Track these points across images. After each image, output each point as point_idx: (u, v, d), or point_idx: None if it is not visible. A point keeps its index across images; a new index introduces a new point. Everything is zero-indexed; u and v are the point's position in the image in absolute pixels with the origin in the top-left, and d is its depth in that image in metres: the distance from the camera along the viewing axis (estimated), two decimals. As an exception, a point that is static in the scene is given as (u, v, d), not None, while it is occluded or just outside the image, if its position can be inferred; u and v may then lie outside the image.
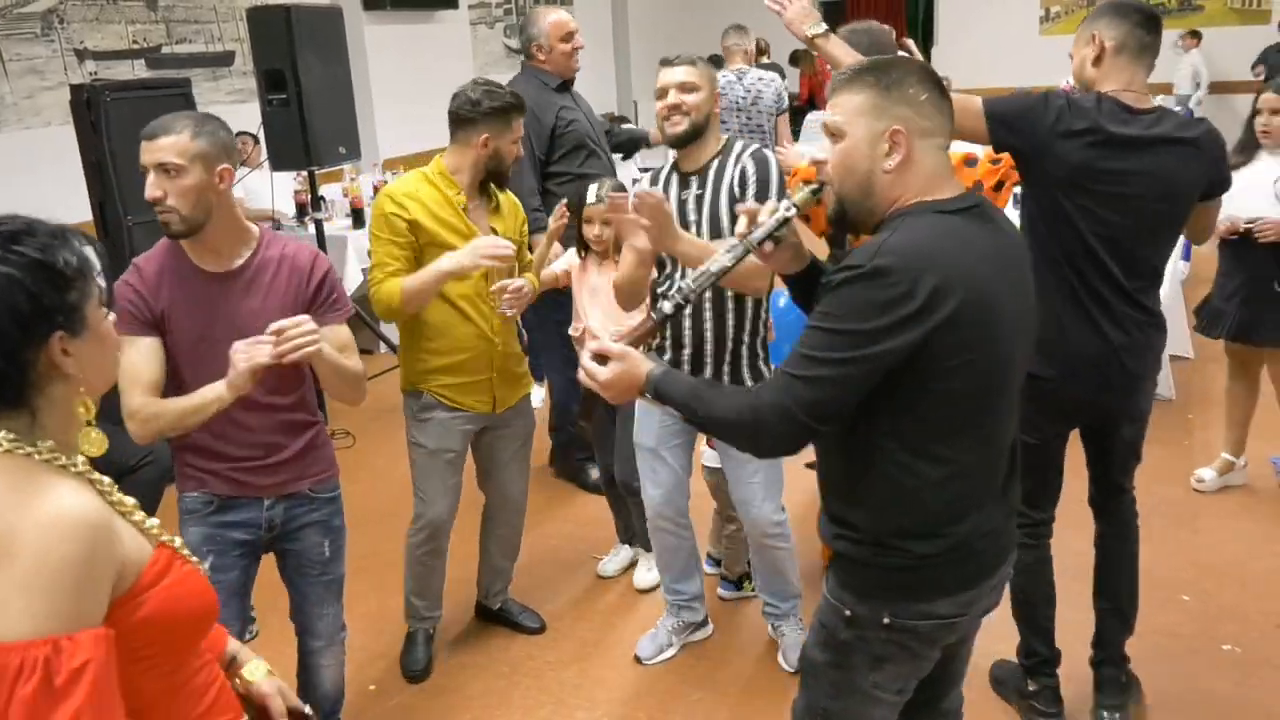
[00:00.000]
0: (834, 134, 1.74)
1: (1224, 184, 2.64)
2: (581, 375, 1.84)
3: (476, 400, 3.08)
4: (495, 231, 3.01)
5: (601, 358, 1.81)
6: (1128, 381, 2.63)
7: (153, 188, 2.19)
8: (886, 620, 1.78)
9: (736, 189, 2.77)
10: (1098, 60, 2.54)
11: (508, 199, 3.13)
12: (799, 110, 10.84)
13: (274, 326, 2.14)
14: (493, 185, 3.03)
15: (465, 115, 2.91)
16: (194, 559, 1.40)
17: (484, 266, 2.85)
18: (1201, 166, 2.53)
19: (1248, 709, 2.94)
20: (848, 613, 1.82)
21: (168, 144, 2.17)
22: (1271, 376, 4.08)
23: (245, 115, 5.79)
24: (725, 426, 1.78)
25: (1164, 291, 3.22)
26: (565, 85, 4.23)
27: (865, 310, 1.59)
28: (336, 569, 2.60)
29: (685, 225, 2.75)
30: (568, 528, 4.22)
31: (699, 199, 2.81)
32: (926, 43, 11.92)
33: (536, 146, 4.11)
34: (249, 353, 2.14)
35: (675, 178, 2.88)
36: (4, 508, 1.16)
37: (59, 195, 5.15)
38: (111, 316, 1.33)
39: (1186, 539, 3.82)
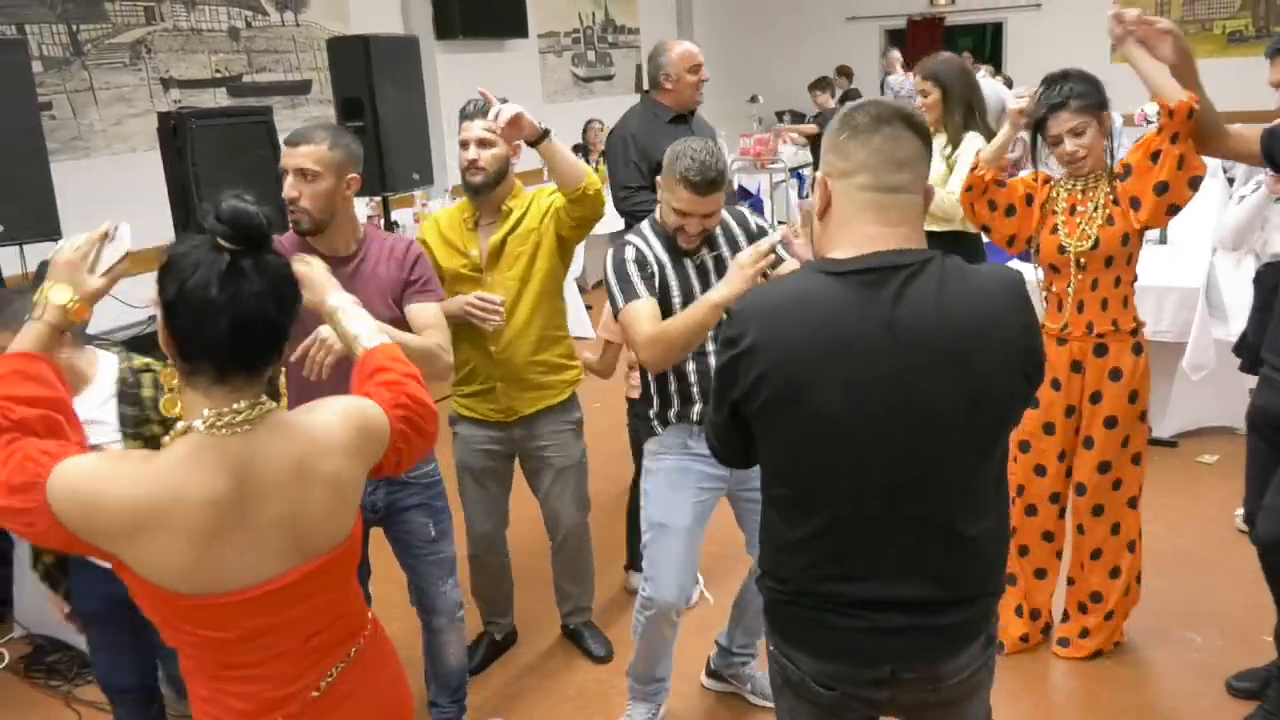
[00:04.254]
0: None
1: None
2: None
3: (490, 409, 3.13)
4: (496, 243, 3.01)
5: None
6: None
7: (290, 189, 2.47)
8: (771, 648, 1.86)
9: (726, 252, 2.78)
10: None
11: (534, 196, 3.09)
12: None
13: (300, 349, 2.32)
14: (501, 194, 3.02)
15: None
16: None
17: (468, 317, 2.94)
18: None
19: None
20: (765, 632, 1.91)
21: (307, 151, 2.45)
22: None
23: (322, 142, 5.89)
24: None
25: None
26: (681, 117, 4.21)
27: (718, 349, 1.76)
28: (445, 548, 2.81)
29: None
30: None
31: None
32: (997, 73, 11.79)
33: (645, 177, 4.09)
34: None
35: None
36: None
37: (144, 219, 5.34)
38: None
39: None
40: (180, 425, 1.49)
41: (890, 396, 1.60)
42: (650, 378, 2.80)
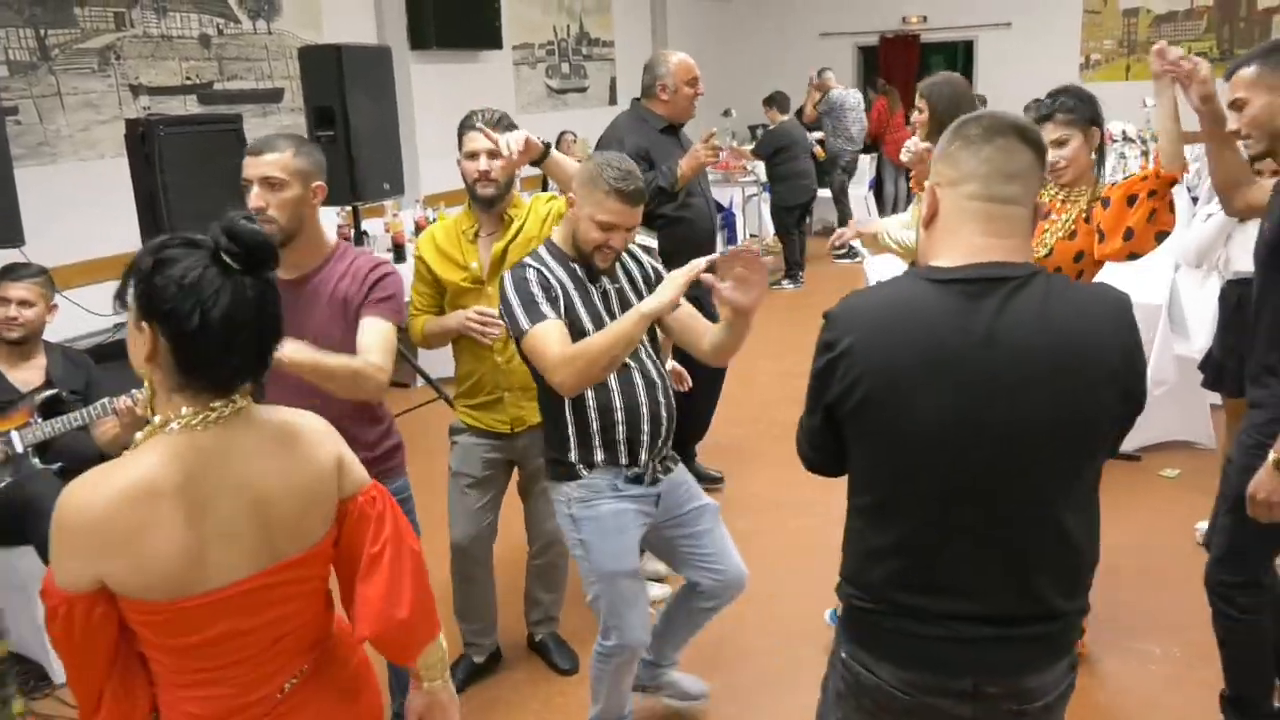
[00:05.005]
0: None
1: None
2: None
3: (495, 420, 3.15)
4: (498, 252, 3.04)
5: None
6: None
7: (256, 199, 2.40)
8: (843, 655, 1.81)
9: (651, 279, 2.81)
10: None
11: (532, 204, 3.12)
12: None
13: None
14: (503, 205, 3.07)
15: None
16: None
17: (468, 332, 2.98)
18: None
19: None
20: (835, 639, 1.88)
21: (272, 160, 2.40)
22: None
23: (293, 150, 5.87)
24: None
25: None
26: (672, 127, 4.20)
27: (816, 353, 1.72)
28: None
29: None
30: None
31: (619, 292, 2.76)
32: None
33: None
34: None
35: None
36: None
37: (111, 226, 5.30)
38: None
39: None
40: (158, 419, 1.51)
41: (980, 409, 1.59)
42: (569, 419, 2.69)
